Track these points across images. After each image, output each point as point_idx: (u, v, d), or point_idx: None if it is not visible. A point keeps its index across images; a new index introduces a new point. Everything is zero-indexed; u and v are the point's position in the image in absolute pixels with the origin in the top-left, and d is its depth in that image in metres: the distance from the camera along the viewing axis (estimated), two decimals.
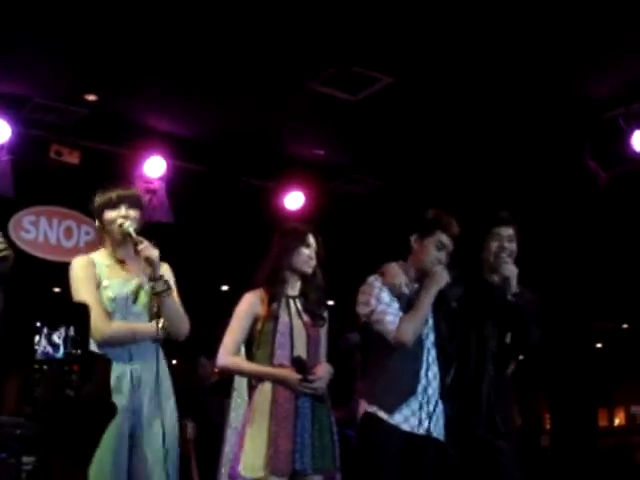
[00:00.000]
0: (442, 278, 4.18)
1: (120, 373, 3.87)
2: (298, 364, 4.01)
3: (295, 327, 4.09)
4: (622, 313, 13.01)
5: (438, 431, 4.21)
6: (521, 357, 4.57)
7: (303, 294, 4.20)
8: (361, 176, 8.35)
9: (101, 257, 4.05)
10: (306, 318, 4.15)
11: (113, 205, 3.98)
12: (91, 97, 6.91)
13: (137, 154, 7.60)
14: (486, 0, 5.36)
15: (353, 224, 8.53)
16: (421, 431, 4.13)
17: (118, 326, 3.89)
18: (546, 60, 6.06)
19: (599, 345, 14.04)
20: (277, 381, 4.01)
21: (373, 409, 4.14)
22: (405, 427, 4.11)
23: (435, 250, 4.25)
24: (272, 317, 4.08)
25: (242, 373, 4.49)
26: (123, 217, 3.95)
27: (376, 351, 4.24)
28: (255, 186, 8.24)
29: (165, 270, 4.06)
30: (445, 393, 4.24)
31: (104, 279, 3.94)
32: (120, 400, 3.81)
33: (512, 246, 4.34)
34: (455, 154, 7.60)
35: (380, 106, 6.84)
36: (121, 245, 4.03)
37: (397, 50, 6.01)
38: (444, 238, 4.25)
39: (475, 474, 4.20)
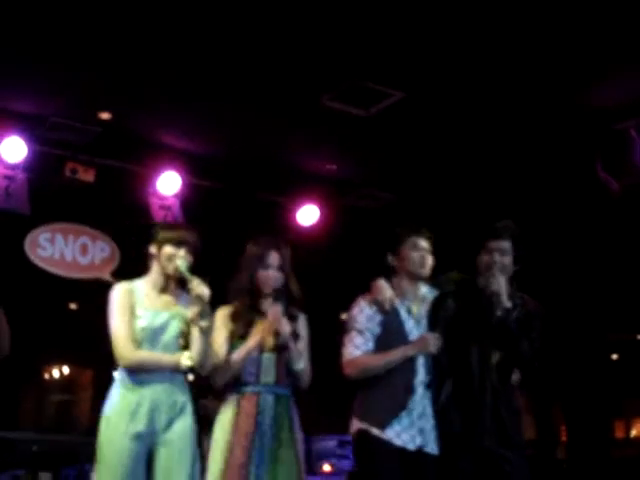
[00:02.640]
0: (428, 346, 4.16)
1: (139, 399, 3.99)
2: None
3: (264, 349, 4.14)
4: (638, 324, 12.94)
5: (431, 446, 4.19)
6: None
7: None
8: (374, 190, 8.37)
9: (142, 285, 4.19)
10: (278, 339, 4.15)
11: (176, 243, 4.12)
12: (105, 115, 6.98)
13: (151, 171, 7.65)
14: (495, 15, 5.38)
15: (366, 239, 8.54)
16: (412, 447, 4.12)
17: (142, 356, 4.03)
18: (557, 71, 6.07)
19: (615, 356, 13.97)
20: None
21: (365, 425, 4.16)
22: (397, 442, 4.11)
23: (412, 252, 4.29)
24: (238, 337, 4.15)
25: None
26: (181, 257, 4.09)
27: None
28: (269, 202, 8.27)
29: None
30: (440, 408, 4.23)
31: (139, 308, 4.08)
32: (136, 426, 3.94)
33: (504, 260, 4.24)
34: (467, 167, 7.62)
35: (392, 121, 6.87)
36: (165, 278, 4.17)
37: (408, 65, 6.05)
38: (415, 240, 4.30)
39: None
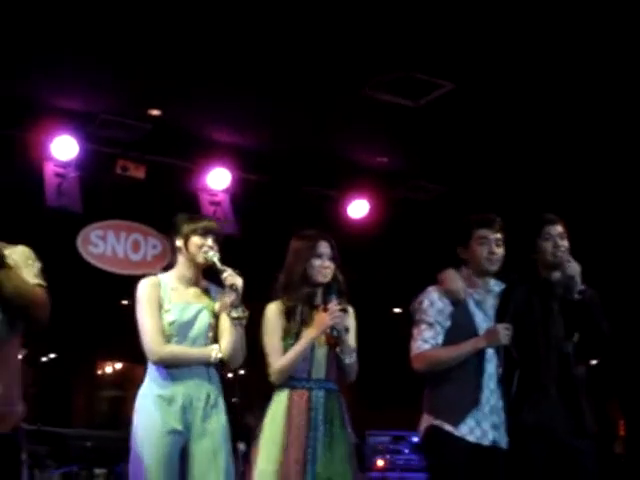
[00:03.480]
0: (499, 338, 4.09)
1: (172, 394, 3.98)
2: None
3: (315, 343, 4.09)
4: None
5: (504, 441, 4.14)
6: (593, 361, 4.48)
7: (325, 303, 4.16)
8: (424, 182, 8.31)
9: (169, 278, 4.17)
10: (329, 337, 4.11)
11: (202, 233, 4.11)
12: (155, 112, 7.01)
13: (201, 167, 7.68)
14: (547, 5, 5.29)
15: (417, 231, 8.49)
16: (486, 442, 4.08)
17: (171, 350, 4.01)
18: (608, 61, 5.97)
19: None
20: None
21: (438, 422, 4.09)
22: (471, 438, 4.05)
23: (480, 247, 4.21)
24: (293, 334, 4.09)
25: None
26: (209, 247, 4.09)
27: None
28: (318, 195, 8.25)
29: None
30: (511, 400, 4.17)
31: (166, 302, 4.07)
32: (170, 422, 3.93)
33: (565, 243, 4.28)
34: (517, 158, 7.53)
35: (442, 112, 6.81)
36: (194, 270, 4.16)
37: (458, 56, 5.98)
38: (483, 232, 4.22)
39: (556, 477, 4.11)
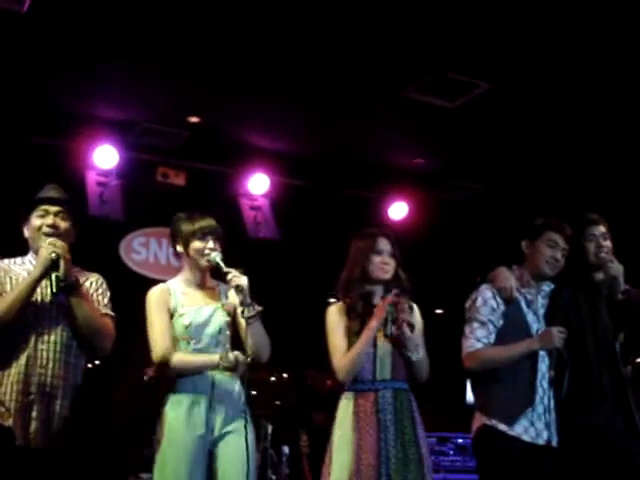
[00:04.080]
0: (553, 341, 4.08)
1: (194, 399, 3.94)
2: None
3: (378, 343, 4.05)
4: None
5: (555, 440, 4.13)
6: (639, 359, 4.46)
7: None
8: (461, 182, 8.29)
9: (177, 284, 4.14)
10: (392, 328, 4.05)
11: (200, 236, 4.06)
12: (194, 119, 7.07)
13: (240, 172, 7.73)
14: (583, 4, 5.27)
15: (457, 231, 8.47)
16: (541, 442, 4.07)
17: (179, 358, 3.95)
18: None
19: None
20: None
21: (492, 422, 4.08)
22: (525, 438, 4.05)
23: (548, 249, 4.22)
24: (355, 333, 4.05)
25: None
26: (210, 249, 4.04)
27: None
28: (357, 198, 8.26)
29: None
30: (562, 402, 4.15)
31: (179, 307, 4.04)
32: (194, 428, 3.89)
33: (608, 243, 4.30)
34: (553, 158, 7.48)
35: (477, 112, 6.79)
36: (199, 273, 4.13)
37: (494, 56, 5.96)
38: (555, 236, 4.22)
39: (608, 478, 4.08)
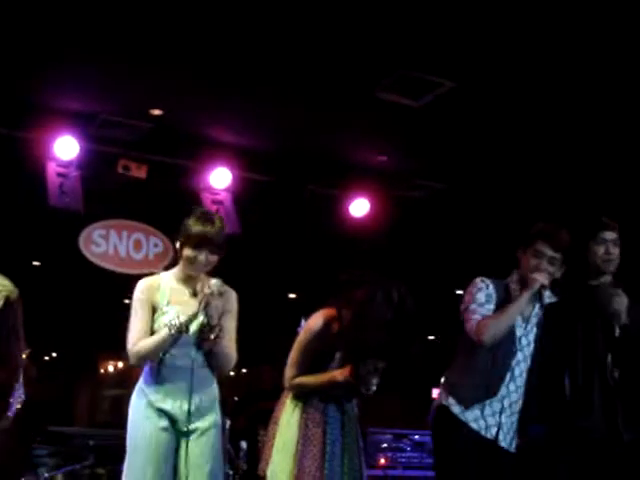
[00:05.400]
0: (535, 282, 4.15)
1: (164, 394, 3.98)
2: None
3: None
4: None
5: (508, 443, 4.20)
6: None
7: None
8: (424, 181, 8.33)
9: (169, 278, 4.12)
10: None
11: (195, 245, 3.99)
12: (156, 112, 7.03)
13: (203, 166, 7.70)
14: (547, 2, 5.30)
15: (418, 229, 8.51)
16: (488, 435, 4.14)
17: (140, 346, 3.96)
18: (611, 59, 5.97)
19: None
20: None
21: (448, 402, 4.19)
22: (474, 426, 4.14)
23: (533, 259, 4.23)
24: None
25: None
26: (201, 262, 4.01)
27: (467, 349, 4.26)
28: (320, 194, 8.27)
29: (231, 296, 4.15)
30: (559, 407, 4.21)
31: (164, 304, 4.02)
32: (161, 420, 3.93)
33: (617, 251, 4.32)
34: (516, 157, 7.54)
35: (442, 111, 6.82)
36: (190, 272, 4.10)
37: (458, 55, 5.99)
38: (543, 247, 4.22)
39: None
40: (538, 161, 7.54)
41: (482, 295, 4.24)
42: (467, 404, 4.15)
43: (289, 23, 5.62)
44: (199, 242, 3.97)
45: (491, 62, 6.06)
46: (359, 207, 8.35)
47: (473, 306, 4.22)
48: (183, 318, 3.90)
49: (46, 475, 6.67)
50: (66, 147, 7.07)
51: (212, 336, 3.90)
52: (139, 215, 8.04)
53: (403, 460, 8.08)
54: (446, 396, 4.23)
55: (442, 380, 4.37)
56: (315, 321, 4.16)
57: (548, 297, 4.33)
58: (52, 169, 7.18)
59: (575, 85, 6.29)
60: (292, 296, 10.91)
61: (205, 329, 3.90)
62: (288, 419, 4.04)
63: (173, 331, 3.89)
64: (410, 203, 8.55)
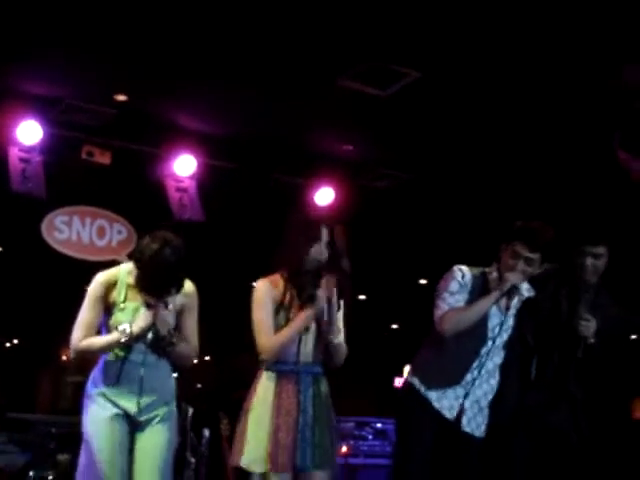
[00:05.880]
0: (507, 283, 4.18)
1: (119, 384, 3.97)
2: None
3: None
4: None
5: (473, 427, 4.23)
6: None
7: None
8: (389, 170, 8.35)
9: (128, 273, 4.04)
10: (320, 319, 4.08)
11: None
12: (121, 97, 6.98)
13: (167, 153, 7.67)
14: None
15: (383, 219, 8.53)
16: (449, 415, 4.19)
17: (85, 343, 3.95)
18: (576, 50, 6.00)
19: (634, 336, 13.86)
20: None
21: (413, 379, 4.26)
22: (435, 405, 4.19)
23: (510, 260, 4.24)
24: (285, 308, 4.06)
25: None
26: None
27: (437, 333, 4.28)
28: (285, 183, 8.27)
29: (190, 290, 4.13)
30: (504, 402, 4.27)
31: (121, 301, 3.97)
32: (115, 408, 3.93)
33: (599, 263, 4.33)
34: (482, 147, 7.58)
35: (408, 101, 6.83)
36: None
37: (424, 45, 6.00)
38: (520, 248, 4.21)
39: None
40: (505, 151, 7.57)
41: (455, 284, 4.28)
42: (431, 385, 4.20)
43: (258, 9, 5.60)
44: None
45: (457, 52, 6.07)
46: (324, 196, 8.36)
47: (444, 294, 4.27)
48: (136, 329, 3.88)
49: (7, 462, 6.64)
50: (29, 132, 7.00)
51: (163, 345, 3.95)
52: (103, 201, 7.99)
53: (365, 448, 8.12)
54: (412, 375, 4.29)
55: (414, 359, 4.42)
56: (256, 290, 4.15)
57: (527, 290, 4.34)
58: (14, 154, 7.12)
59: (543, 75, 6.33)
60: (255, 284, 10.89)
61: (157, 340, 3.94)
62: (264, 394, 4.01)
63: (123, 339, 3.89)
64: (375, 192, 8.57)
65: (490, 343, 4.26)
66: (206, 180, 7.87)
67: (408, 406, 4.26)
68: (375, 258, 7.86)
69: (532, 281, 4.33)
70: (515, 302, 4.32)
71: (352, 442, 8.09)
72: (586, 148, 7.19)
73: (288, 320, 4.03)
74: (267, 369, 4.05)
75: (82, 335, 3.95)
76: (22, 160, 7.13)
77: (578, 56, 6.06)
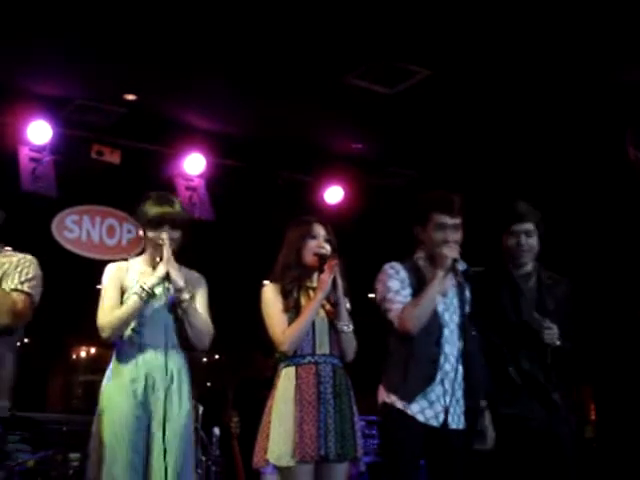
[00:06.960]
0: (446, 259, 4.01)
1: (135, 374, 4.00)
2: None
3: (316, 317, 4.08)
4: None
5: (457, 422, 4.11)
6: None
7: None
8: (398, 169, 8.34)
9: (138, 263, 4.19)
10: (328, 307, 4.11)
11: (155, 225, 4.06)
12: (130, 97, 6.99)
13: (177, 152, 7.68)
14: None
15: (392, 217, 8.52)
16: (435, 424, 4.03)
17: (109, 319, 4.00)
18: (586, 46, 5.99)
19: None
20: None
21: (391, 399, 4.07)
22: (420, 418, 4.02)
23: (436, 232, 4.11)
24: (293, 308, 4.08)
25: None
26: (162, 239, 4.05)
27: (396, 340, 4.15)
28: (294, 181, 8.27)
29: (196, 276, 4.25)
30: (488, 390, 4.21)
31: (134, 286, 4.04)
32: (134, 402, 3.96)
33: (531, 241, 4.32)
34: (492, 145, 7.57)
35: (417, 99, 6.83)
36: (158, 256, 4.13)
37: (433, 43, 6.00)
38: (441, 217, 4.11)
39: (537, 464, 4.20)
40: (515, 149, 7.56)
41: (395, 282, 4.14)
42: (410, 398, 4.02)
43: (266, 9, 5.61)
44: (160, 222, 4.05)
45: (466, 50, 6.08)
46: (333, 194, 8.36)
47: (390, 295, 4.12)
48: (150, 282, 3.97)
49: (18, 461, 6.64)
50: (39, 132, 7.02)
51: (182, 297, 3.99)
52: (113, 201, 8.00)
53: (375, 447, 8.10)
54: (388, 394, 4.10)
55: (382, 374, 4.25)
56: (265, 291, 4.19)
57: (460, 265, 4.12)
58: (25, 154, 7.14)
59: (552, 72, 6.32)
60: (266, 282, 10.89)
61: (175, 293, 4.00)
62: (284, 390, 4.00)
63: (144, 295, 3.96)
64: (385, 191, 8.57)
65: (446, 330, 4.10)
66: (215, 179, 7.88)
67: (392, 428, 4.09)
68: (385, 256, 7.84)
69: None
70: (452, 281, 4.11)
71: (362, 441, 8.07)
72: (597, 146, 7.18)
73: (298, 313, 4.06)
74: (286, 365, 4.07)
75: (107, 313, 4.01)
76: (32, 160, 7.15)
77: (589, 54, 6.06)
